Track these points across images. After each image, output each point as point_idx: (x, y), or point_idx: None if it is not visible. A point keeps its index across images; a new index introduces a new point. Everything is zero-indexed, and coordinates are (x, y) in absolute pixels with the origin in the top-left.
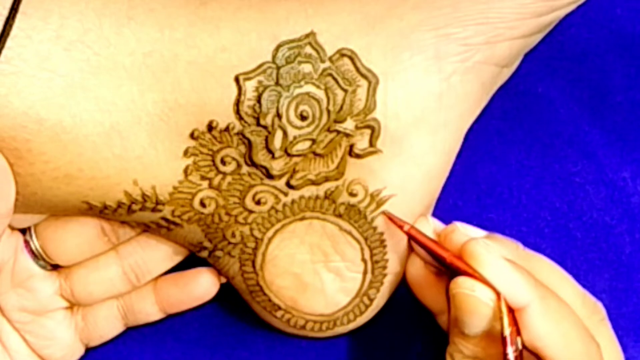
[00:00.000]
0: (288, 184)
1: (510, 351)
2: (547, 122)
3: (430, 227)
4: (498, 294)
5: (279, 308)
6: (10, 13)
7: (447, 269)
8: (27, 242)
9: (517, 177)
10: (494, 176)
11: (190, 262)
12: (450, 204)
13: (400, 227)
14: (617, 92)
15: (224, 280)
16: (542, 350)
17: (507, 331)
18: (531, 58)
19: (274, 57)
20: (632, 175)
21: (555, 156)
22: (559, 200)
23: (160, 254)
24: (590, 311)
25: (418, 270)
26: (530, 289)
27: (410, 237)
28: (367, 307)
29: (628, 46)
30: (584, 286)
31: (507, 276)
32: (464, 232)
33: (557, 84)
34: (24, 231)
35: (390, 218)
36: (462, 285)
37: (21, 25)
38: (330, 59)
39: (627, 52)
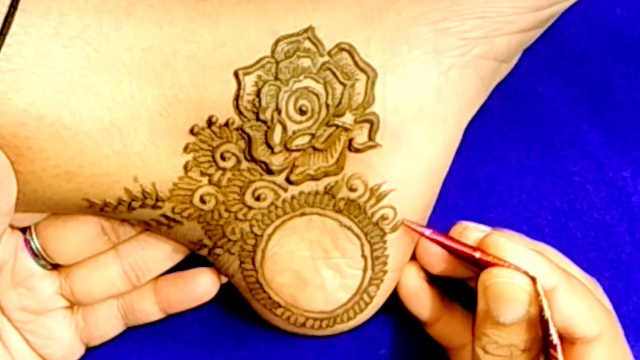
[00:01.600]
0: (288, 180)
1: (554, 331)
2: (547, 122)
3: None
4: (533, 279)
5: (279, 305)
6: (9, 10)
7: (475, 266)
8: (27, 241)
9: (517, 177)
10: (494, 176)
11: (191, 262)
12: (451, 204)
13: (422, 234)
14: (617, 92)
15: (224, 280)
16: (573, 327)
17: (548, 313)
18: (531, 58)
19: (273, 51)
20: (632, 174)
21: (555, 156)
22: (559, 199)
23: (160, 253)
24: (594, 287)
25: (414, 280)
26: (556, 270)
27: (434, 242)
28: (367, 304)
29: (628, 46)
30: None
31: (535, 261)
32: (476, 228)
33: (557, 83)
34: (24, 230)
35: (409, 226)
36: (499, 274)
37: (20, 23)
38: (329, 53)
39: (627, 52)
